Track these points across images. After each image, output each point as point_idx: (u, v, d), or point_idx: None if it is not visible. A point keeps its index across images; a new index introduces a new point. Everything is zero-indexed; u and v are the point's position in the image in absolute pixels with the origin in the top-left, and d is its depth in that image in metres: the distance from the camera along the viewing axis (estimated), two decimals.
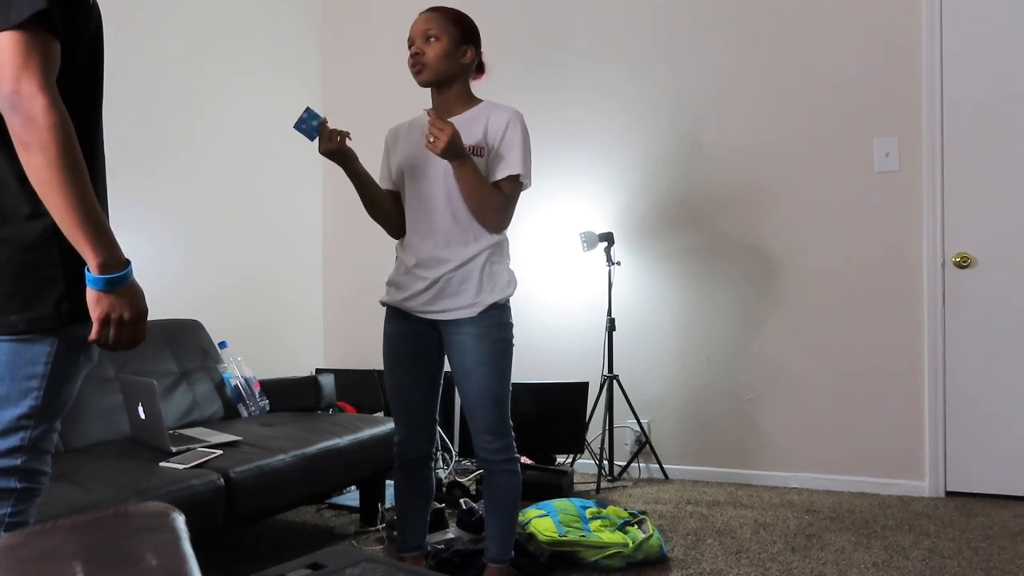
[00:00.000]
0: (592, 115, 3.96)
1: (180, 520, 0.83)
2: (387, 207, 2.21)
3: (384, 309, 2.23)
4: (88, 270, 1.29)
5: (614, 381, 3.69)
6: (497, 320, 2.09)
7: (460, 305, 2.08)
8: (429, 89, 2.17)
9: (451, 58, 2.09)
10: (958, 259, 3.34)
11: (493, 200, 2.05)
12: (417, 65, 2.08)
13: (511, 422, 2.15)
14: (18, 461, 1.34)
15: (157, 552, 0.76)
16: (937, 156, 3.37)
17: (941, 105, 3.38)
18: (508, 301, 2.13)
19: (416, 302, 2.12)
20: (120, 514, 0.79)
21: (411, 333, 2.16)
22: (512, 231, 4.13)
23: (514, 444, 2.15)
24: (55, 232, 1.31)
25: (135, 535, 0.77)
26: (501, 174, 2.08)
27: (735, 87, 3.70)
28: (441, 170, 2.07)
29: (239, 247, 3.85)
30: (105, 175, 1.47)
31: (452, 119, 2.11)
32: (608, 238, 3.70)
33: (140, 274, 3.42)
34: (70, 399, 1.41)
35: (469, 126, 2.10)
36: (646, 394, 3.83)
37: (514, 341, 2.14)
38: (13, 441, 1.34)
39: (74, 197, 1.24)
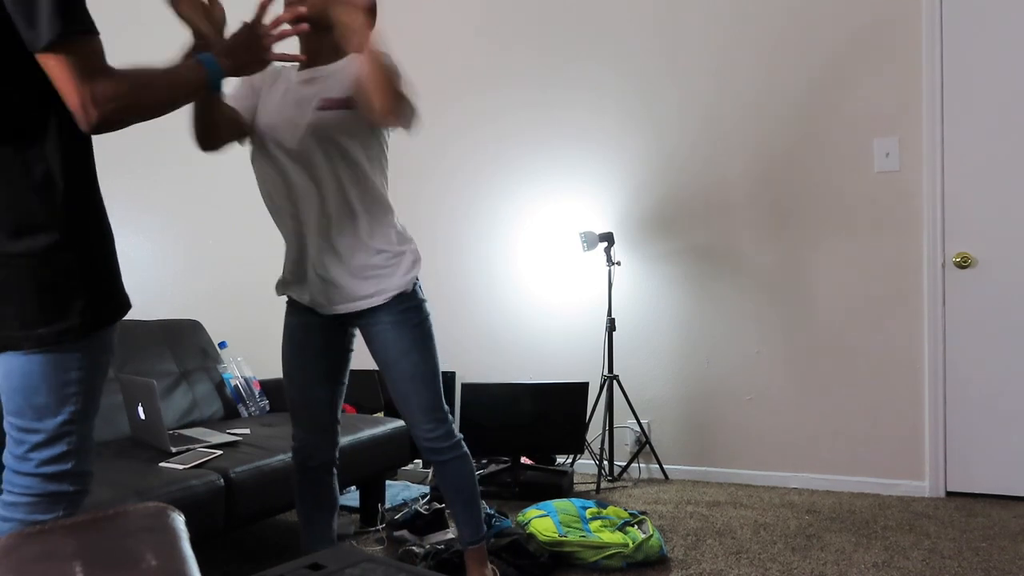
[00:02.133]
0: (592, 115, 3.96)
1: (180, 520, 0.83)
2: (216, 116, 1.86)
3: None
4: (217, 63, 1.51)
5: (614, 381, 3.69)
6: (409, 303, 1.94)
7: (364, 294, 1.91)
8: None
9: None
10: (958, 259, 3.34)
11: (396, 83, 1.75)
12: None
13: (447, 406, 2.02)
14: (69, 465, 1.38)
15: (157, 552, 0.76)
16: (937, 156, 3.37)
17: (941, 105, 3.38)
18: (416, 282, 1.98)
19: (316, 302, 1.97)
20: (120, 514, 0.79)
21: (318, 323, 2.00)
22: (512, 231, 4.14)
23: (454, 428, 2.03)
24: (68, 242, 1.34)
25: (135, 535, 0.77)
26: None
27: (734, 87, 3.70)
28: (311, 130, 1.84)
29: (239, 247, 3.85)
30: (95, 168, 1.46)
31: (321, 68, 1.91)
32: (608, 238, 3.70)
33: (140, 274, 3.43)
34: (100, 396, 1.45)
35: (340, 77, 1.89)
36: (646, 394, 3.83)
37: (431, 318, 2.00)
38: (61, 447, 1.37)
39: (168, 92, 1.39)
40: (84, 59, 1.26)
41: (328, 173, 1.88)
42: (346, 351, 2.08)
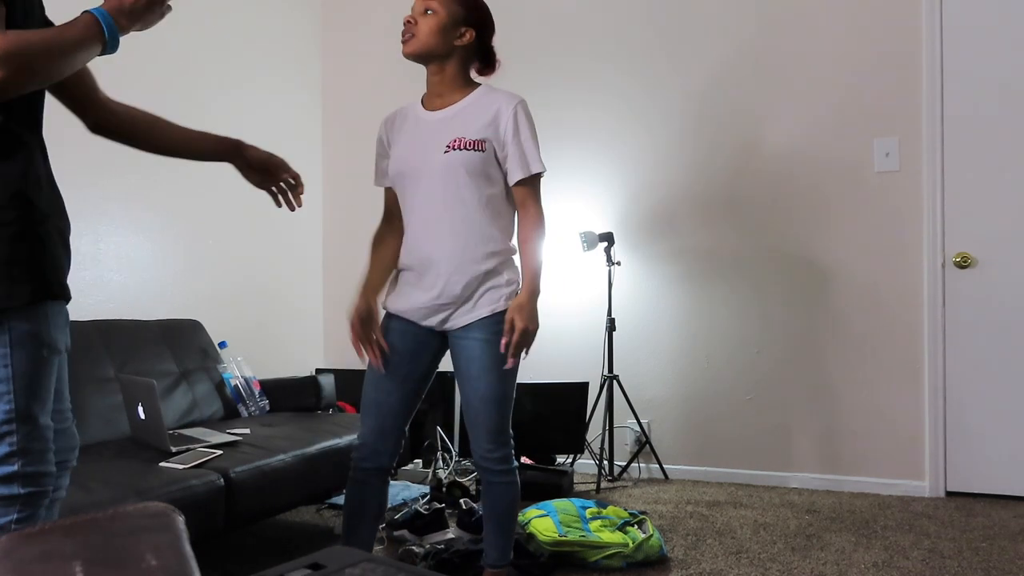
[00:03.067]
0: (593, 115, 3.96)
1: (180, 520, 0.83)
2: (394, 248, 2.11)
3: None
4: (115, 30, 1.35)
5: (614, 381, 3.69)
6: (504, 326, 2.00)
7: (465, 310, 2.01)
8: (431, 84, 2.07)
9: (444, 35, 1.97)
10: (958, 259, 3.34)
11: (539, 235, 2.06)
12: (407, 34, 1.98)
13: (511, 431, 2.07)
14: (14, 467, 1.33)
15: (157, 552, 0.76)
16: (937, 156, 3.37)
17: (941, 105, 3.38)
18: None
19: (419, 314, 2.03)
20: (120, 514, 0.79)
21: (412, 331, 2.06)
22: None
23: (513, 453, 2.07)
24: None
25: (135, 535, 0.77)
26: (523, 173, 2.02)
27: (735, 88, 3.70)
28: (441, 171, 1.97)
29: (239, 247, 3.85)
30: (30, 143, 1.40)
31: (450, 107, 2.03)
32: (608, 238, 3.70)
33: (140, 274, 3.42)
34: (48, 393, 1.39)
35: (469, 115, 2.00)
36: (646, 394, 3.83)
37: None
38: (3, 449, 1.33)
39: (64, 47, 1.27)
40: None
41: (446, 204, 1.98)
42: (434, 363, 2.10)
